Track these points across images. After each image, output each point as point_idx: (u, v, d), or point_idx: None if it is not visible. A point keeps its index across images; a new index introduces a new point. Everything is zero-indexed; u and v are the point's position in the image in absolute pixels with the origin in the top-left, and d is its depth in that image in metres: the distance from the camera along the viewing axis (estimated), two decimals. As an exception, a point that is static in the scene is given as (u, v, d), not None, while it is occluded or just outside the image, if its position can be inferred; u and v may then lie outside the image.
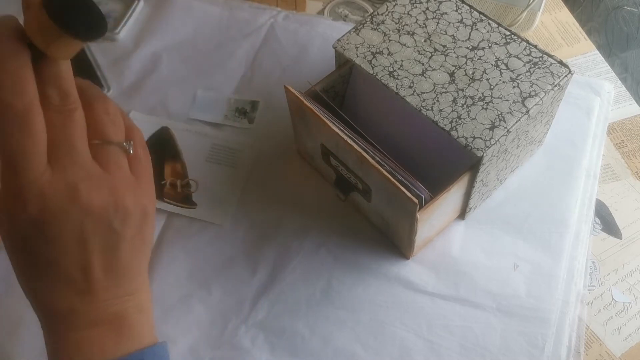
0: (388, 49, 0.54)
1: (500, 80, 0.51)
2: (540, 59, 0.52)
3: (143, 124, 0.67)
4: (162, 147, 0.65)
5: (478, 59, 0.52)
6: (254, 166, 0.63)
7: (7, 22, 0.28)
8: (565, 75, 0.51)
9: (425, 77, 0.52)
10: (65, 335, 0.34)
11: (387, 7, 0.57)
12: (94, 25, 0.29)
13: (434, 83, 0.51)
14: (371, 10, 0.77)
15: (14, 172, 0.30)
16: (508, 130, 0.48)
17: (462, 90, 0.51)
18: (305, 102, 0.51)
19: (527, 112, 0.49)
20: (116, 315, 0.35)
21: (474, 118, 0.49)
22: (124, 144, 0.34)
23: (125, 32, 0.75)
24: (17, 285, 0.34)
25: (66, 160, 0.31)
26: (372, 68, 0.53)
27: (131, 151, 0.35)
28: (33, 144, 0.29)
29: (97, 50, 0.73)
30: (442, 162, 0.53)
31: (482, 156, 0.47)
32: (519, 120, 0.49)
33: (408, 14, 0.56)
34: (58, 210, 0.31)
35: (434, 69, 0.52)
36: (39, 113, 0.29)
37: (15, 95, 0.28)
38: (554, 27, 0.75)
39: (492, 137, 0.48)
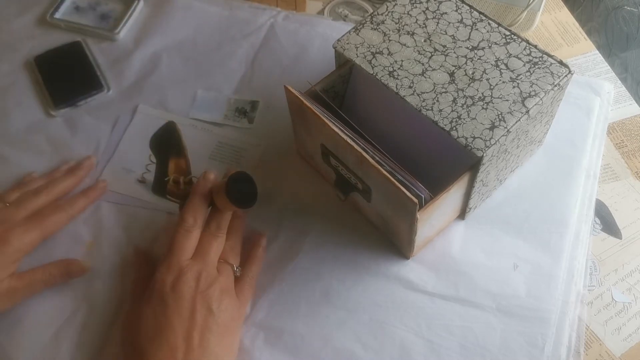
0: (388, 49, 0.54)
1: (500, 80, 0.51)
2: (540, 59, 0.52)
3: (150, 118, 0.67)
4: (168, 142, 0.65)
5: (478, 59, 0.52)
6: (256, 166, 0.64)
7: (208, 182, 0.52)
8: (565, 75, 0.51)
9: (425, 77, 0.52)
10: None
11: (387, 7, 0.57)
12: (251, 202, 0.50)
13: (434, 83, 0.51)
14: (371, 10, 0.77)
15: (172, 252, 0.49)
16: (508, 130, 0.48)
17: (462, 90, 0.51)
18: (305, 102, 0.51)
19: (527, 112, 0.49)
20: None
21: (474, 118, 0.49)
22: (236, 268, 0.52)
23: (125, 32, 0.75)
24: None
25: (201, 259, 0.49)
26: (372, 68, 0.53)
27: (237, 274, 0.52)
28: (187, 243, 0.50)
29: (97, 50, 0.73)
30: (442, 162, 0.53)
31: (482, 156, 0.47)
32: (519, 120, 0.49)
33: (408, 14, 0.56)
34: (185, 281, 0.48)
35: (434, 69, 0.52)
36: (198, 230, 0.50)
37: (190, 215, 0.50)
38: (554, 27, 0.75)
39: (492, 137, 0.48)
